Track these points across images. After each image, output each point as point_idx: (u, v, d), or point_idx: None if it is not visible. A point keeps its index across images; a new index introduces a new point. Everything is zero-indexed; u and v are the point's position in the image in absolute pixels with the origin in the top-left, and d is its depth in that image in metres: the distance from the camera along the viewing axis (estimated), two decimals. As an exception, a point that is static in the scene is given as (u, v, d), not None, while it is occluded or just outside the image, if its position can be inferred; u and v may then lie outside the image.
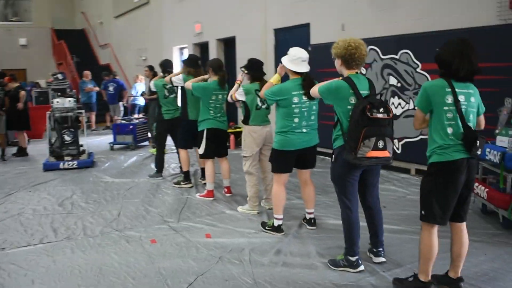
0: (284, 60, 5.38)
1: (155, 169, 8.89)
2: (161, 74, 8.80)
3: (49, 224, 6.16)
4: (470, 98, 3.80)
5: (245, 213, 6.39)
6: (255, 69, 6.36)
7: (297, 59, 5.30)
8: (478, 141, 3.71)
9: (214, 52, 14.19)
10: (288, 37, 11.42)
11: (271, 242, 5.30)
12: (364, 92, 4.32)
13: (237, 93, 6.23)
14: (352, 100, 4.26)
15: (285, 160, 5.46)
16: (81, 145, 10.34)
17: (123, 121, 12.85)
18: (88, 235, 5.72)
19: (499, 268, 4.47)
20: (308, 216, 5.80)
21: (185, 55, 16.17)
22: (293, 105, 5.25)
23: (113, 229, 5.92)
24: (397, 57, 8.42)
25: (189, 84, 7.03)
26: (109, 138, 13.40)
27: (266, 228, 5.64)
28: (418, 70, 8.11)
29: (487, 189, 5.71)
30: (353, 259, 4.47)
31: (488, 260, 4.66)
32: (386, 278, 4.31)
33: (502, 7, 6.95)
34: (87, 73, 16.81)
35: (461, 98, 3.75)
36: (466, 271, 4.33)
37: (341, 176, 4.43)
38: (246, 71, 6.36)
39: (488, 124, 6.56)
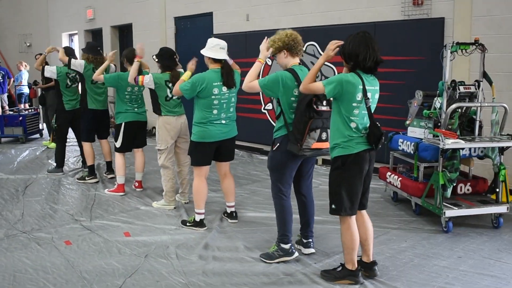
0: (204, 51, 5.27)
1: (54, 163, 8.34)
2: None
3: None
4: (375, 95, 3.96)
5: (161, 208, 6.16)
6: (166, 58, 6.13)
7: (215, 46, 5.22)
8: (383, 137, 3.89)
9: (108, 40, 13.59)
10: (190, 25, 11.20)
11: (196, 238, 5.15)
12: None
13: (146, 80, 5.98)
14: (296, 92, 4.26)
15: (204, 152, 5.33)
16: (-35, 139, 9.48)
17: (11, 112, 11.93)
18: (-9, 239, 5.23)
19: (421, 254, 4.67)
20: (229, 210, 5.71)
21: (75, 43, 15.41)
22: (213, 96, 5.14)
23: (19, 231, 5.43)
24: (303, 49, 8.50)
25: (99, 76, 6.66)
26: (-6, 130, 12.39)
27: (188, 224, 5.47)
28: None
29: (400, 178, 5.95)
30: (287, 246, 4.48)
31: (410, 247, 4.85)
32: (318, 269, 4.33)
33: (405, 3, 7.27)
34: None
35: (369, 95, 3.86)
36: (393, 259, 4.52)
37: (281, 164, 4.43)
38: (156, 60, 6.14)
39: (398, 116, 6.95)
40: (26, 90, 14.39)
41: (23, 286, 4.12)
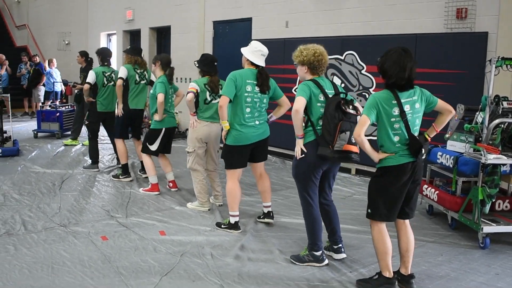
0: (245, 50, 5.34)
1: (89, 160, 8.46)
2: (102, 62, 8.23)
3: (-17, 217, 5.68)
4: (415, 105, 3.93)
5: (196, 209, 6.20)
6: (206, 64, 6.18)
7: (257, 51, 5.30)
8: (423, 149, 3.90)
9: (146, 41, 13.74)
10: (228, 30, 11.26)
11: (230, 240, 5.18)
12: (330, 91, 4.44)
13: (189, 88, 6.02)
14: (321, 97, 4.38)
15: (239, 155, 5.36)
16: (5, 132, 9.68)
17: (48, 108, 12.16)
18: (29, 230, 5.30)
19: (458, 269, 4.60)
20: (265, 210, 5.72)
21: (113, 43, 15.64)
22: (246, 93, 5.19)
23: (57, 224, 5.53)
24: (341, 57, 8.51)
25: (160, 98, 6.50)
26: (31, 125, 12.65)
27: (222, 226, 5.50)
28: (363, 72, 8.25)
29: (437, 192, 5.88)
30: (318, 253, 4.51)
31: (446, 261, 4.79)
32: (353, 278, 4.31)
33: (449, 16, 7.20)
34: (1, 56, 15.75)
35: (407, 108, 3.88)
36: (429, 271, 4.48)
37: (305, 172, 4.46)
38: (197, 65, 6.20)
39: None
40: (57, 87, 14.72)
41: (62, 278, 4.19)
